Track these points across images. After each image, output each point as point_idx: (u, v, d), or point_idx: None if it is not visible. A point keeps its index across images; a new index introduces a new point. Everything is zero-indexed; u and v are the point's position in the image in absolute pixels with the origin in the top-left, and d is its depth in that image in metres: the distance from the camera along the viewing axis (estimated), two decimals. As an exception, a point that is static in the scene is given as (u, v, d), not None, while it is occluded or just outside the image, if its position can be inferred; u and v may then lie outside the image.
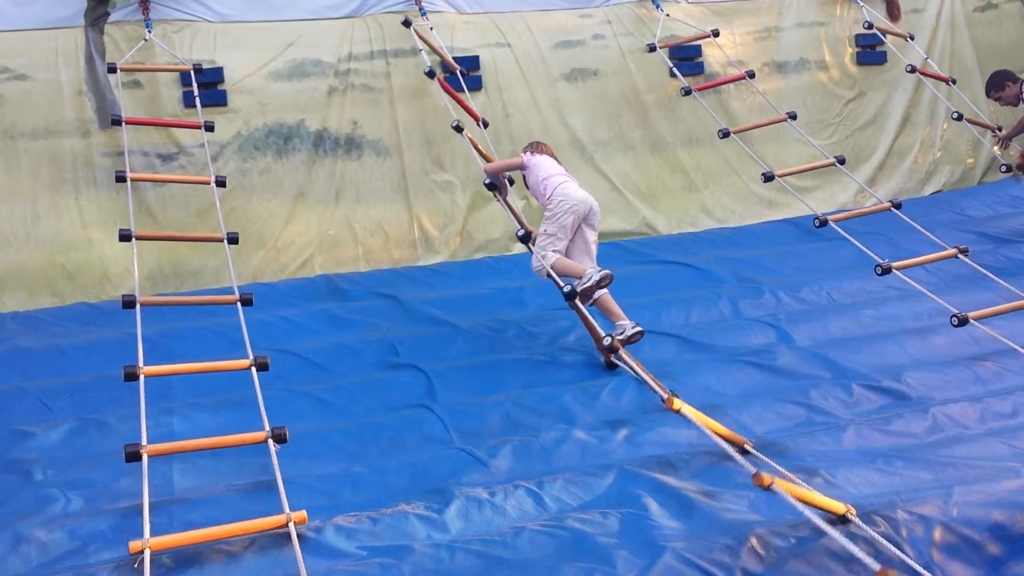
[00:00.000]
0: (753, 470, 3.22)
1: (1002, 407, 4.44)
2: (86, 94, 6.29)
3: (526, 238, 5.07)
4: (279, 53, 6.66)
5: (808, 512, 3.12)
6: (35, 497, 3.91)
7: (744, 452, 3.94)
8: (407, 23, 6.59)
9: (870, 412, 4.51)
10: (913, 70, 7.30)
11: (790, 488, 3.32)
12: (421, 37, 6.64)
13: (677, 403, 3.58)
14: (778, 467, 3.74)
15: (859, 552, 2.94)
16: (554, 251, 4.98)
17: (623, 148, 7.40)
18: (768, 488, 3.21)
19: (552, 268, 4.91)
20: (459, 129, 5.79)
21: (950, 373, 4.83)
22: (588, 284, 4.78)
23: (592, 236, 5.10)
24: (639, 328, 4.80)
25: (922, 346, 5.19)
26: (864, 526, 3.32)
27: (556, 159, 5.38)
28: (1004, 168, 7.04)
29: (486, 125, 6.38)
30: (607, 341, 4.42)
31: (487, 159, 5.82)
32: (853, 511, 3.41)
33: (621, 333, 4.76)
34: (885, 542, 3.23)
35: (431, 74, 6.25)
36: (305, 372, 5.05)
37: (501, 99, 7.02)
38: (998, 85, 7.15)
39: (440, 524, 3.59)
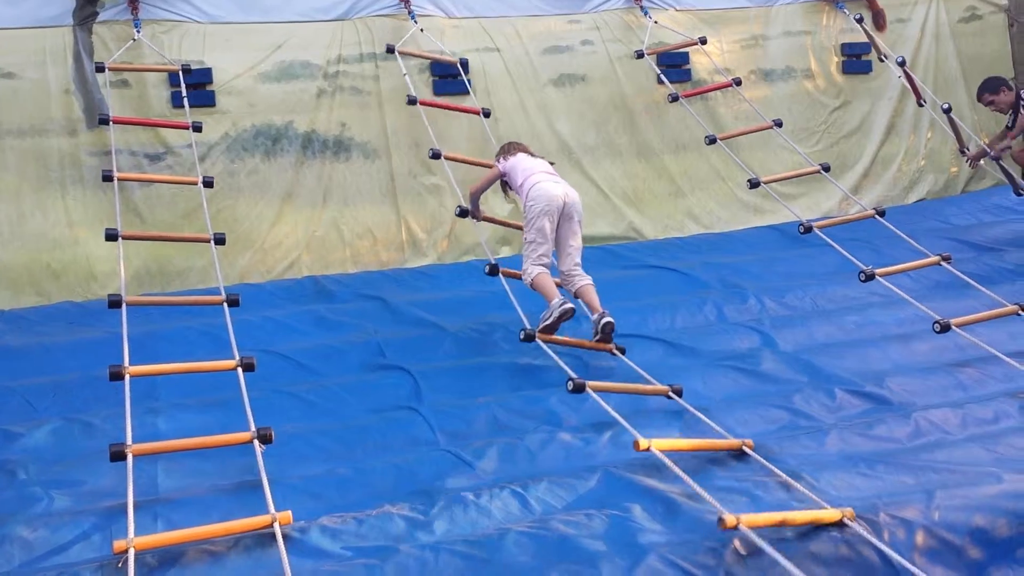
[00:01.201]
0: (721, 512, 3.23)
1: (983, 413, 4.48)
2: (74, 93, 6.27)
3: (494, 271, 5.10)
4: (268, 55, 6.67)
5: (772, 550, 3.10)
6: (19, 496, 3.89)
7: (742, 454, 3.98)
8: (390, 50, 6.63)
9: (853, 417, 4.54)
10: (903, 62, 7.28)
11: (765, 520, 3.33)
12: (407, 54, 6.66)
13: (644, 443, 3.62)
14: (775, 469, 3.78)
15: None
16: (538, 260, 5.00)
17: (610, 153, 7.44)
18: (735, 528, 3.21)
19: (532, 284, 4.99)
20: (436, 156, 5.89)
21: (932, 379, 4.86)
22: (548, 321, 4.86)
23: (572, 230, 5.06)
24: (569, 306, 4.85)
25: (905, 352, 5.23)
26: (862, 530, 3.35)
27: (531, 154, 5.39)
28: (993, 156, 7.03)
29: (488, 115, 6.43)
30: (522, 336, 4.59)
31: (479, 164, 5.89)
32: (851, 514, 3.43)
33: (548, 316, 4.82)
34: (883, 546, 3.27)
35: (412, 101, 6.30)
36: (291, 373, 5.05)
37: (489, 103, 7.04)
38: (993, 88, 7.16)
39: (425, 525, 3.59)
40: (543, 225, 4.99)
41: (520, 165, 5.23)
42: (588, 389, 4.17)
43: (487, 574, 3.31)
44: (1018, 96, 6.97)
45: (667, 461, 3.61)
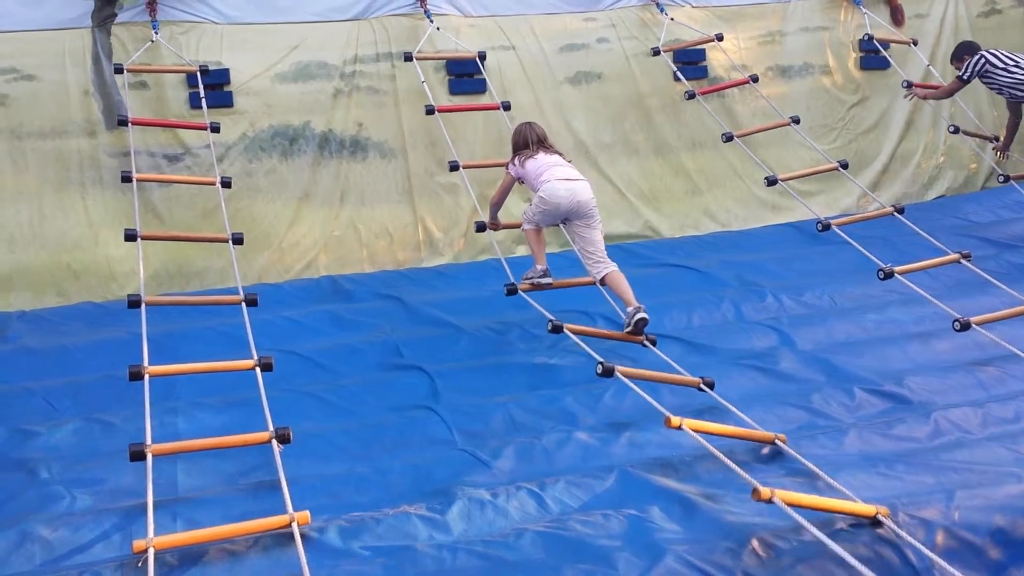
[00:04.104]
0: (754, 484, 3.23)
1: (1004, 412, 4.45)
2: (93, 95, 6.32)
3: (512, 291, 5.17)
4: (285, 55, 6.69)
5: (803, 520, 3.12)
6: (40, 495, 3.93)
7: (764, 455, 3.98)
8: (408, 58, 6.64)
9: (872, 416, 4.52)
10: (909, 86, 7.28)
11: (799, 499, 3.32)
12: (425, 58, 6.68)
13: (675, 421, 3.61)
14: (809, 464, 3.76)
15: (854, 561, 2.95)
16: (532, 219, 5.19)
17: (627, 151, 7.42)
18: (770, 501, 3.22)
19: (525, 234, 5.23)
20: (455, 167, 5.97)
21: (952, 378, 4.83)
22: (530, 280, 5.14)
23: (589, 235, 5.09)
24: (548, 281, 5.18)
25: (924, 350, 5.19)
26: (897, 528, 3.33)
27: (543, 142, 5.27)
28: (1002, 179, 7.05)
29: (508, 107, 6.45)
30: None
31: (499, 164, 5.91)
32: (885, 512, 3.41)
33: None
34: (919, 545, 3.25)
35: (431, 111, 6.33)
36: (309, 373, 5.07)
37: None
38: (959, 57, 7.06)
39: (442, 525, 3.60)
40: (544, 215, 5.14)
41: (533, 170, 5.14)
42: (617, 373, 4.15)
43: (504, 574, 3.31)
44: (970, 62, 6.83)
45: (699, 439, 3.60)
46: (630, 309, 4.96)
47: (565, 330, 4.67)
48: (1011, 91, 6.73)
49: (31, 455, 4.25)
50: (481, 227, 5.63)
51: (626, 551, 3.36)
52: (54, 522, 3.69)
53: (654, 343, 5.00)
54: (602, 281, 5.09)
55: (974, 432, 4.30)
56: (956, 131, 7.25)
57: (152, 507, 3.44)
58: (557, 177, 5.06)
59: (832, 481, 3.67)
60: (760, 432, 4.06)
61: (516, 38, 7.21)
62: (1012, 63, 6.67)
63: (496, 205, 5.55)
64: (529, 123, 5.45)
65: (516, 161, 5.26)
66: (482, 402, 4.67)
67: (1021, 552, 3.45)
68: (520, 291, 5.11)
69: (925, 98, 7.31)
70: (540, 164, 5.15)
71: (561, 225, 5.27)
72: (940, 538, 3.43)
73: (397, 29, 6.88)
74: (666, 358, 4.75)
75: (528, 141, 5.27)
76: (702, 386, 4.47)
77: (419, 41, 6.75)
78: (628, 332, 4.97)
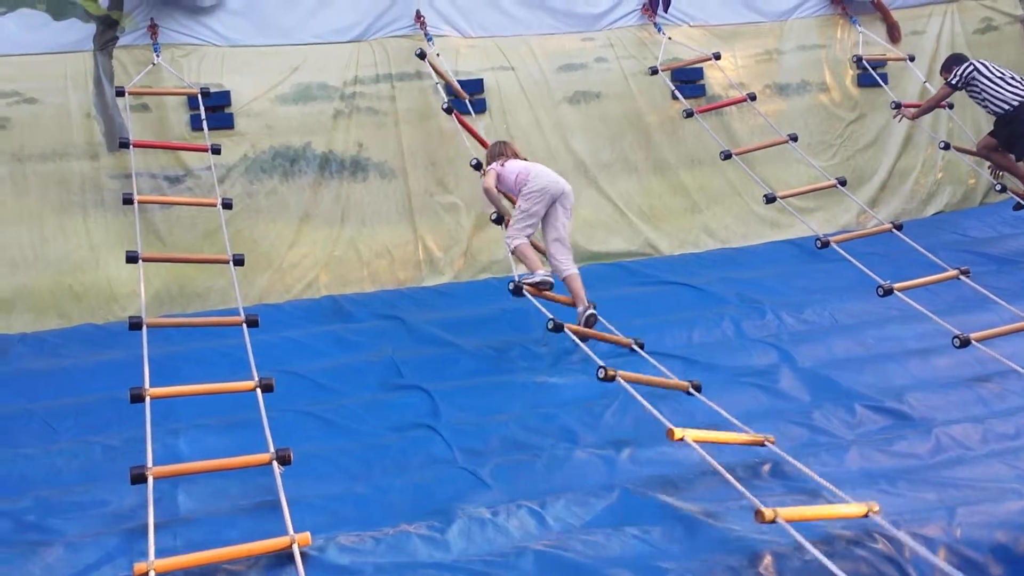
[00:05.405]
0: (758, 505, 3.24)
1: (1005, 428, 4.45)
2: (95, 117, 6.36)
3: (518, 291, 5.13)
4: (286, 77, 6.73)
5: (804, 540, 3.13)
6: (40, 518, 3.92)
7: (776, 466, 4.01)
8: (421, 55, 6.66)
9: (873, 433, 4.52)
10: (898, 106, 7.29)
11: (800, 514, 3.33)
12: (435, 68, 6.71)
13: (679, 433, 3.62)
14: (807, 469, 3.76)
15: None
16: (523, 231, 5.14)
17: (626, 170, 7.45)
18: (773, 522, 3.22)
19: (514, 251, 5.16)
20: (478, 167, 5.88)
21: (953, 394, 4.83)
22: (530, 280, 5.03)
23: (564, 220, 5.18)
24: (550, 280, 5.10)
25: (925, 367, 5.19)
26: (888, 525, 3.33)
27: (516, 154, 5.45)
28: (999, 188, 7.08)
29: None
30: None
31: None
32: (876, 508, 3.40)
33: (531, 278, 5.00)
34: (919, 547, 3.26)
35: (449, 110, 6.32)
36: (310, 393, 5.08)
37: (505, 122, 7.09)
38: (948, 68, 7.13)
39: (442, 544, 3.60)
40: (536, 204, 5.11)
41: (513, 170, 5.28)
42: (619, 379, 4.17)
43: (505, 593, 3.31)
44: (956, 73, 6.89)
45: (699, 450, 3.62)
46: (580, 308, 5.03)
47: (566, 329, 4.70)
48: (991, 104, 6.77)
49: (31, 477, 4.25)
50: (498, 219, 5.47)
51: (627, 570, 3.35)
52: (55, 545, 3.68)
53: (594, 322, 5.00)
54: (565, 280, 5.14)
55: (975, 448, 4.30)
56: (946, 147, 7.27)
57: (153, 529, 3.44)
58: (544, 169, 5.27)
59: (826, 483, 3.65)
60: (751, 435, 4.07)
61: (515, 59, 7.25)
62: (998, 76, 6.73)
63: (493, 193, 5.38)
64: (503, 141, 5.61)
65: (495, 164, 5.38)
66: (482, 421, 4.67)
67: (1022, 568, 3.44)
68: (526, 292, 5.01)
69: (914, 117, 7.28)
70: (520, 166, 5.28)
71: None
72: (942, 555, 3.43)
73: (397, 51, 6.93)
74: (658, 365, 4.73)
75: (503, 155, 5.45)
76: (690, 390, 4.48)
77: (428, 69, 6.73)
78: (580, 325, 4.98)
